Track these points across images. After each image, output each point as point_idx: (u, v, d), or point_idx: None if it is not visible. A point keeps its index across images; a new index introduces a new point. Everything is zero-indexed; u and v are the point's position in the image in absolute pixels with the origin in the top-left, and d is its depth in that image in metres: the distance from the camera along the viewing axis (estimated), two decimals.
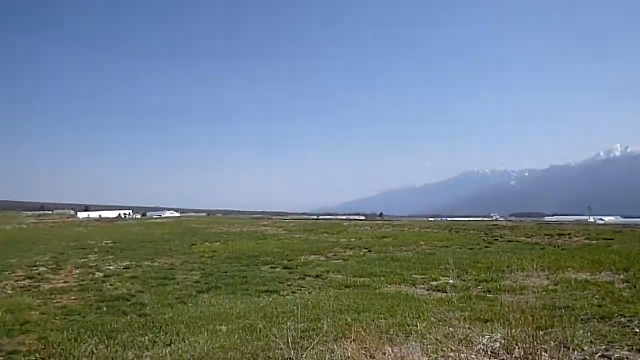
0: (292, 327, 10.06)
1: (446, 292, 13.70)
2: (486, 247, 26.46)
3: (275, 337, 8.59)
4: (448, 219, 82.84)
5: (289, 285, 16.14)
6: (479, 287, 14.21)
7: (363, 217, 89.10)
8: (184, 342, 9.18)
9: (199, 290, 15.33)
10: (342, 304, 12.13)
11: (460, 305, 11.43)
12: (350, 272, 18.07)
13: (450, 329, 8.96)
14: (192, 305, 12.93)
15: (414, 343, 8.08)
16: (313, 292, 14.59)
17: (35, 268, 21.58)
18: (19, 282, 17.98)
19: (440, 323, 9.46)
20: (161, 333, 9.92)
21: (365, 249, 26.58)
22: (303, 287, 15.81)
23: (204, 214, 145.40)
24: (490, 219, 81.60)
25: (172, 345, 9.07)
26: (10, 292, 16.22)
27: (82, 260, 24.18)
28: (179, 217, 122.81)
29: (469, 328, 8.88)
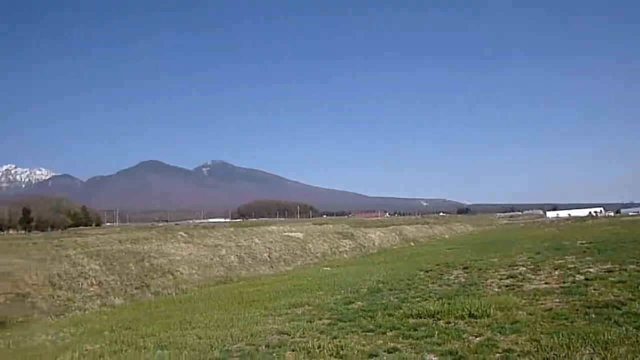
0: None
1: None
2: None
3: None
4: None
5: None
6: None
7: None
8: None
9: None
10: None
11: None
12: None
13: None
14: None
15: None
16: None
17: (515, 267, 22.54)
18: (502, 281, 19.08)
19: None
20: None
21: None
22: None
23: None
24: None
25: None
26: (496, 290, 17.34)
27: (558, 261, 23.75)
28: None
29: None
